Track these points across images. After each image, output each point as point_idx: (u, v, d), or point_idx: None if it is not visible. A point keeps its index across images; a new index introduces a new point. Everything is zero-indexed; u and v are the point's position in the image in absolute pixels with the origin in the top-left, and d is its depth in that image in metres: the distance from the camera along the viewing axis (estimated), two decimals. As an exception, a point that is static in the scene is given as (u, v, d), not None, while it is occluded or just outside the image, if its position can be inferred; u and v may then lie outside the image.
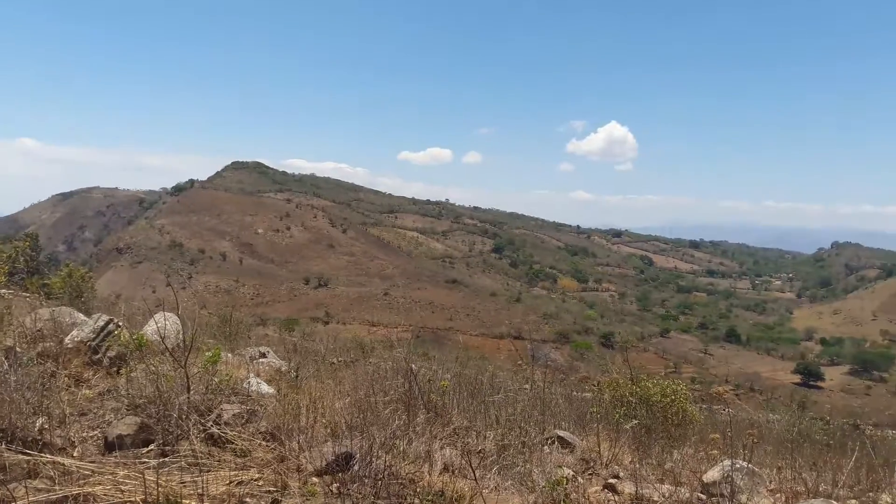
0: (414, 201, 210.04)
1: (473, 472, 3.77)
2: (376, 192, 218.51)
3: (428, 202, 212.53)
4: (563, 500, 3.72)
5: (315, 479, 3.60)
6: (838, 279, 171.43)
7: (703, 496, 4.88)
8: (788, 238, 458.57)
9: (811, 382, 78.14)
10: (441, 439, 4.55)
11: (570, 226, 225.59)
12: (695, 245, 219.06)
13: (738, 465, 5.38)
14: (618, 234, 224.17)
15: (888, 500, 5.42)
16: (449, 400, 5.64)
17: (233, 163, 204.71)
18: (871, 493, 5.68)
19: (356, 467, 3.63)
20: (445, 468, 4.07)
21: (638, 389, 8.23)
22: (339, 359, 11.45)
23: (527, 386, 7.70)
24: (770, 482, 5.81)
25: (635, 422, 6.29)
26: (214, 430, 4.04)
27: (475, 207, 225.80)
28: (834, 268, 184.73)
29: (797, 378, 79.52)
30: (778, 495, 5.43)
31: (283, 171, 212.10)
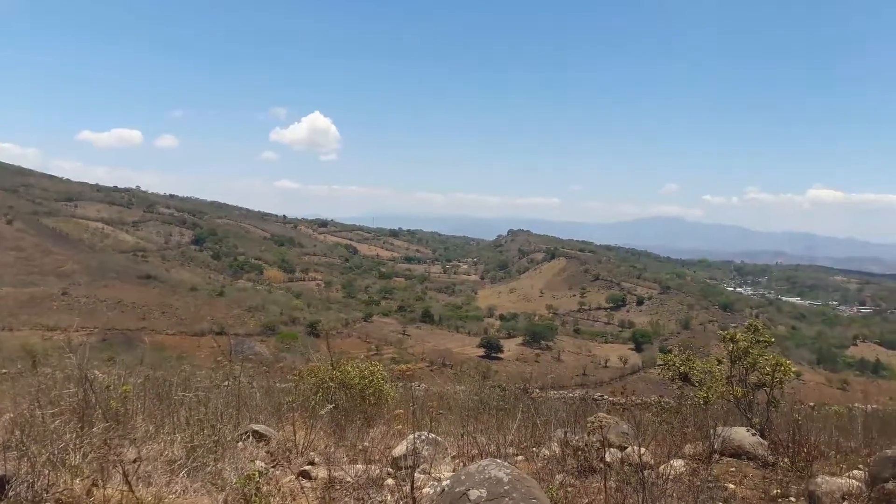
0: (98, 188, 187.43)
1: (127, 481, 3.57)
2: (51, 177, 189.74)
3: (115, 189, 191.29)
4: (255, 495, 3.72)
5: (-44, 516, 3.10)
6: (513, 262, 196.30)
7: (392, 470, 5.27)
8: (473, 226, 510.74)
9: (493, 354, 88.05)
10: (123, 448, 4.23)
11: (277, 215, 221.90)
12: (394, 234, 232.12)
13: (424, 437, 5.92)
14: (324, 223, 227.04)
15: (547, 452, 6.44)
16: (133, 405, 5.25)
17: None
18: (534, 449, 6.69)
19: (13, 492, 3.20)
20: (126, 479, 3.80)
21: (338, 374, 8.51)
22: (2, 370, 10.03)
23: (226, 383, 7.49)
24: (451, 449, 6.51)
25: (331, 406, 6.52)
26: None
27: (172, 195, 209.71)
28: (510, 252, 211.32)
29: (482, 351, 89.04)
30: (458, 460, 6.10)
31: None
